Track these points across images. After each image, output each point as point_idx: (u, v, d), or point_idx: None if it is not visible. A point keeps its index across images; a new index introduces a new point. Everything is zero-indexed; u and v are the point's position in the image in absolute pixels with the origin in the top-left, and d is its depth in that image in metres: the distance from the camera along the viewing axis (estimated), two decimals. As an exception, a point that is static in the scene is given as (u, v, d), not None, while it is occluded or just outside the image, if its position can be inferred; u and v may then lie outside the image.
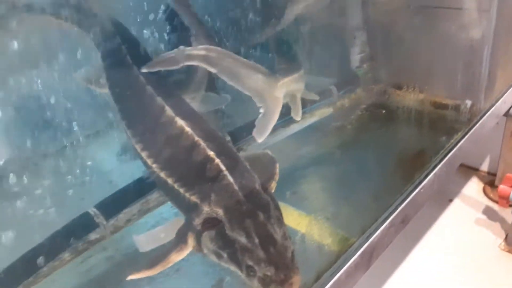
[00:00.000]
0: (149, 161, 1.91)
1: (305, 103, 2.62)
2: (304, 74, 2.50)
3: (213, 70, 2.01)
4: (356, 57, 3.22)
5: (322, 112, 2.85)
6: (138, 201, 2.21)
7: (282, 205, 2.35)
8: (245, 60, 2.08)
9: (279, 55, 2.66)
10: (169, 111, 1.91)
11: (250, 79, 2.08)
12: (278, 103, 2.20)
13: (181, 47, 2.01)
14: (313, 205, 2.38)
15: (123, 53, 2.18)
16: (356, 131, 3.02)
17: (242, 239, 1.55)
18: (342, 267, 1.94)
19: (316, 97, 2.68)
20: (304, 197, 2.43)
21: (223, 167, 1.71)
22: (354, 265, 2.01)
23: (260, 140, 2.07)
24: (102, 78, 2.34)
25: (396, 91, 3.25)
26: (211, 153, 1.76)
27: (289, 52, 2.71)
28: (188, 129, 1.84)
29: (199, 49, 1.97)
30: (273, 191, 1.93)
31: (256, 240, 1.53)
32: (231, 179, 1.68)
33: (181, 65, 1.96)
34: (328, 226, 2.25)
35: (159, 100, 1.95)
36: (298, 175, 2.59)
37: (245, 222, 1.57)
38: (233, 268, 1.62)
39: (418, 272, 2.88)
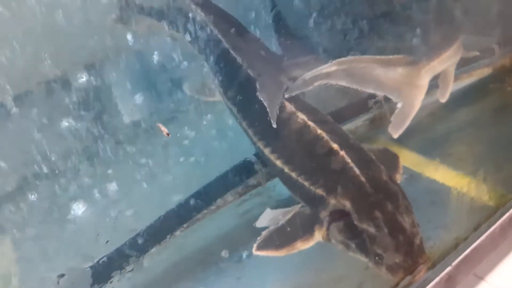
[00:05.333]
0: (272, 157, 2.00)
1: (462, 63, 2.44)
2: (461, 43, 2.26)
3: (343, 83, 1.95)
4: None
5: (481, 72, 2.67)
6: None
7: (439, 166, 2.40)
8: (380, 57, 1.97)
9: (436, 21, 2.31)
10: (289, 106, 1.98)
11: (386, 77, 1.98)
12: (419, 93, 2.05)
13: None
14: (471, 166, 2.30)
15: (233, 57, 2.24)
16: (516, 92, 2.81)
17: (371, 229, 1.59)
18: (498, 220, 1.92)
19: (477, 53, 2.46)
20: (461, 158, 2.35)
21: (348, 159, 1.74)
22: (509, 219, 1.97)
23: (395, 136, 1.99)
24: (210, 86, 2.53)
25: None
26: (336, 146, 1.79)
27: (446, 14, 2.43)
28: (310, 122, 1.89)
29: (329, 66, 1.93)
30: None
31: (385, 230, 1.57)
32: (357, 170, 1.71)
33: (316, 85, 1.95)
34: (486, 184, 2.18)
35: None
36: (453, 137, 2.51)
37: (373, 213, 1.60)
38: (360, 257, 1.68)
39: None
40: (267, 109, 1.91)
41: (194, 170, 2.75)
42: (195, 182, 2.31)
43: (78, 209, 2.56)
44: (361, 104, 2.42)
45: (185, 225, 2.14)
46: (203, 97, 2.64)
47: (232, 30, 2.24)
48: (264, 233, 1.86)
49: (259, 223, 1.95)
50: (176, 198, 2.25)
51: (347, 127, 2.44)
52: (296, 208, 1.91)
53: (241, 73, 2.19)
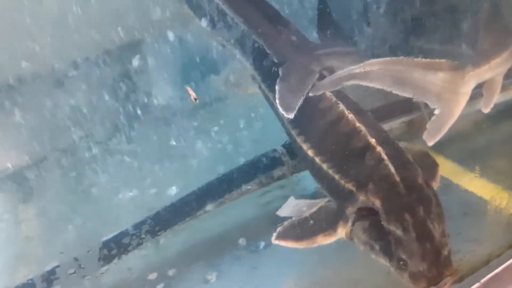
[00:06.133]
0: (304, 146, 1.92)
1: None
2: None
3: (373, 85, 1.83)
4: None
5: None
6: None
7: (476, 177, 2.26)
8: (420, 60, 1.83)
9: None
10: (329, 96, 1.90)
11: (425, 81, 1.85)
12: (460, 100, 1.90)
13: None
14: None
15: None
16: None
17: (398, 232, 1.50)
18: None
19: None
20: (502, 172, 2.21)
21: (384, 156, 1.65)
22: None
23: (430, 144, 1.88)
24: (239, 79, 2.53)
25: None
26: (373, 141, 1.71)
27: (499, 19, 2.23)
28: (349, 114, 1.81)
29: (360, 67, 1.80)
30: None
31: (413, 235, 1.48)
32: (392, 169, 1.62)
33: (344, 84, 1.85)
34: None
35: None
36: (495, 149, 2.37)
37: (403, 215, 1.51)
38: (383, 259, 1.60)
39: None
40: (282, 96, 1.83)
41: (221, 156, 2.74)
42: (221, 168, 2.28)
43: (104, 181, 2.62)
44: (399, 105, 2.32)
45: (204, 209, 2.13)
46: (239, 88, 2.62)
47: (262, 14, 2.16)
48: (285, 223, 1.80)
49: (282, 212, 1.90)
50: (201, 182, 2.23)
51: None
52: (322, 202, 1.84)
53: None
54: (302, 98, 1.82)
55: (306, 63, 1.97)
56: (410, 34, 2.49)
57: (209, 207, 2.14)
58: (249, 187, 2.20)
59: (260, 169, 2.20)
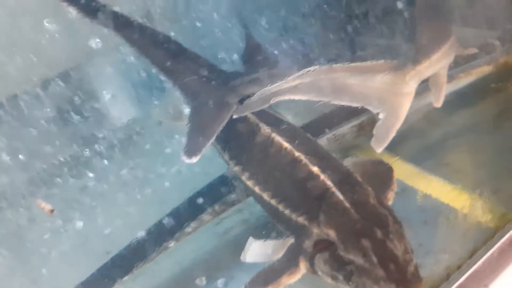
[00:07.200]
0: (249, 183, 1.84)
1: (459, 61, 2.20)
2: (454, 41, 2.03)
3: (308, 97, 1.71)
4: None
5: (480, 71, 2.42)
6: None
7: (434, 178, 2.17)
8: (357, 65, 1.74)
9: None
10: (264, 128, 1.82)
11: (364, 86, 1.76)
12: (404, 101, 1.83)
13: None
14: (469, 179, 2.08)
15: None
16: (520, 92, 2.55)
17: (359, 260, 1.43)
18: (496, 243, 1.73)
19: (474, 50, 2.24)
20: (458, 170, 2.14)
21: (330, 184, 1.58)
22: (509, 242, 1.77)
23: (378, 150, 1.80)
24: (178, 110, 2.33)
25: None
26: (315, 169, 1.63)
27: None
28: (287, 144, 1.73)
29: (290, 81, 1.68)
30: (390, 202, 1.73)
31: (374, 259, 1.40)
32: (340, 196, 1.54)
33: (272, 102, 1.71)
34: (486, 202, 1.96)
35: (252, 118, 1.86)
36: (450, 144, 2.28)
37: (360, 241, 1.44)
38: None
39: None
40: (188, 139, 1.73)
41: (177, 182, 2.60)
42: (176, 197, 2.15)
43: (52, 226, 2.45)
44: (348, 109, 2.22)
45: (158, 250, 1.99)
46: (173, 122, 2.46)
47: (161, 49, 2.00)
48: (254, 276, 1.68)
49: (246, 258, 1.78)
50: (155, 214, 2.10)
51: (334, 133, 2.28)
52: (287, 242, 1.73)
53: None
54: (213, 137, 1.71)
55: (219, 97, 1.84)
56: (354, 31, 2.39)
57: (162, 247, 2.02)
58: (203, 219, 2.08)
59: (211, 197, 2.07)
